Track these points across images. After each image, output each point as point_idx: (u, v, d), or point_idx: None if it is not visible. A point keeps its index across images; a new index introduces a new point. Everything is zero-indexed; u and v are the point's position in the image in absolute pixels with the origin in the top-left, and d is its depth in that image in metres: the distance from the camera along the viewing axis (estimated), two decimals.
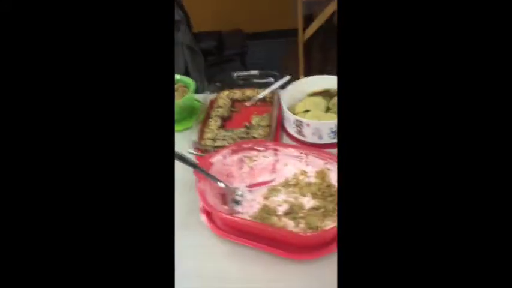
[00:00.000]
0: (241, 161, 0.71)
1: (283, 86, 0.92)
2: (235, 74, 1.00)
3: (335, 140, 0.77)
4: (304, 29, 1.99)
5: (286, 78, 0.94)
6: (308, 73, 2.25)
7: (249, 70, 1.01)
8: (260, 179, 0.71)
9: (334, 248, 0.55)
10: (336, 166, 0.64)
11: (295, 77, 0.93)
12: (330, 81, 0.90)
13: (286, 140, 0.85)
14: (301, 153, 0.67)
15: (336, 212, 0.59)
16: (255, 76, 0.99)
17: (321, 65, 2.41)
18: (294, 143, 0.82)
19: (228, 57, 2.01)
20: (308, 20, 2.05)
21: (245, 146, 0.70)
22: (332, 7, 1.72)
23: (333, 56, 2.55)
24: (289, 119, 0.80)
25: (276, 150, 0.70)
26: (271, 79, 0.96)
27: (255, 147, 0.70)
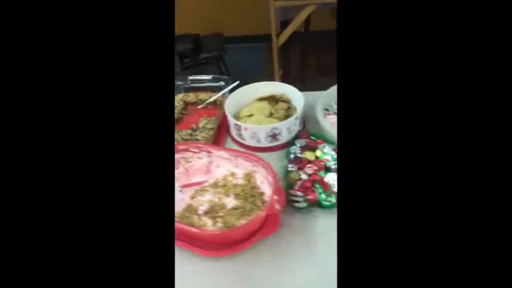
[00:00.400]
0: (177, 161, 0.74)
1: (233, 91, 0.95)
2: (189, 78, 1.02)
3: (272, 144, 0.80)
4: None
5: (236, 83, 0.97)
6: (286, 79, 2.29)
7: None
8: (194, 180, 0.73)
9: (248, 244, 0.58)
10: (262, 168, 0.67)
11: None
12: (276, 87, 0.93)
13: (230, 142, 0.87)
14: (231, 155, 0.70)
15: (253, 212, 0.62)
16: (207, 80, 1.02)
17: (299, 71, 2.44)
18: (238, 147, 0.84)
19: (205, 60, 2.04)
20: (285, 26, 2.08)
21: (180, 147, 0.73)
22: (305, 13, 1.76)
23: (312, 63, 2.59)
24: (231, 122, 0.83)
25: (209, 152, 0.72)
26: (223, 83, 0.99)
27: (190, 149, 0.73)
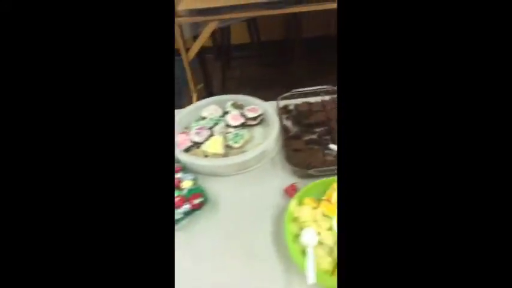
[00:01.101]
0: None
1: None
2: None
3: None
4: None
5: None
6: (208, 92, 2.30)
7: None
8: None
9: None
10: None
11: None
12: None
13: None
14: None
15: None
16: None
17: (222, 84, 2.47)
18: None
19: None
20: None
21: None
22: (209, 30, 1.78)
23: (236, 76, 2.63)
24: None
25: None
26: None
27: None
